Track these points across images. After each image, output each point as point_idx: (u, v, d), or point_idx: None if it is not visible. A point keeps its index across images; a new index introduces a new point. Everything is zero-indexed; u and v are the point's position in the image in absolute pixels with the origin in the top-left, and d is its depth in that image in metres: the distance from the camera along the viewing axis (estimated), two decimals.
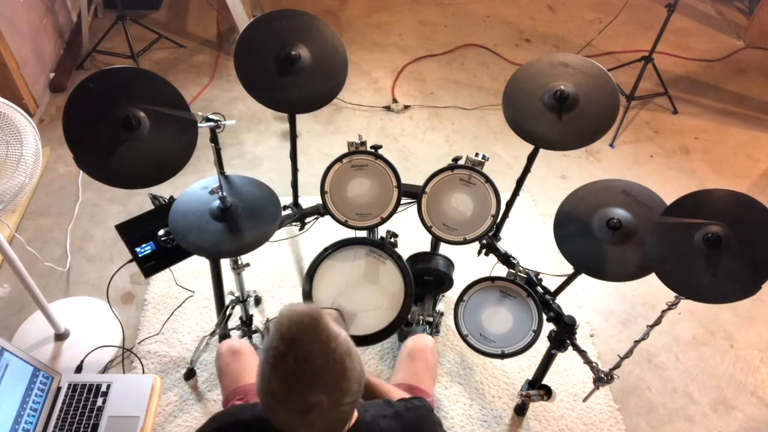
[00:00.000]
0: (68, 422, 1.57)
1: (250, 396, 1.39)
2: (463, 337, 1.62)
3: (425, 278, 1.87)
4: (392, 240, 1.69)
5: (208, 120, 1.52)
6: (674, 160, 3.00)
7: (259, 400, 0.92)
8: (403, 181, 1.68)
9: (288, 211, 1.89)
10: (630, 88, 3.06)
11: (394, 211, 1.70)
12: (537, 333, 1.57)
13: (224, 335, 2.02)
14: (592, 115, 1.54)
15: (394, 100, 3.21)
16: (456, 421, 1.93)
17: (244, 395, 1.40)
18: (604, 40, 3.68)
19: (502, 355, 1.59)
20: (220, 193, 1.47)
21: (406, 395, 1.30)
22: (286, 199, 1.81)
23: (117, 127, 1.39)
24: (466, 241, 1.66)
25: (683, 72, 3.58)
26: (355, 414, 1.02)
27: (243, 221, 1.51)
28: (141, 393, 1.65)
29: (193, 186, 1.58)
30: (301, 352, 0.87)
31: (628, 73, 3.13)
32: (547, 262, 2.43)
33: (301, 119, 2.95)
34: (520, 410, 1.96)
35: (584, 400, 1.90)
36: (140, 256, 1.66)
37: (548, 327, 1.63)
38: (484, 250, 1.88)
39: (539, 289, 1.68)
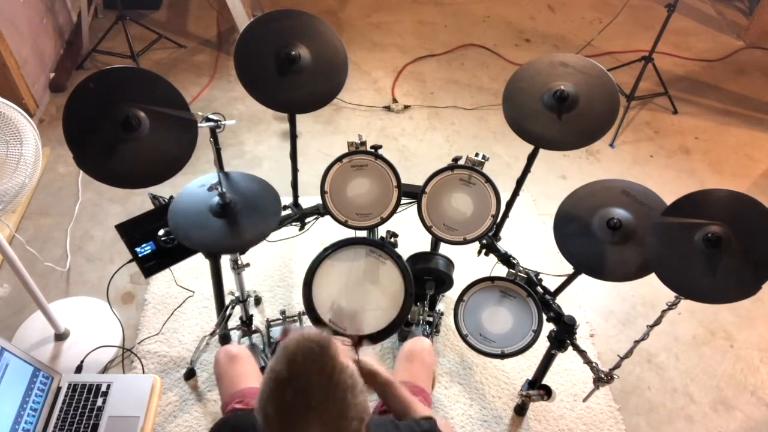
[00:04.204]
0: (68, 422, 1.57)
1: (249, 399, 1.39)
2: (463, 337, 1.62)
3: (425, 278, 1.87)
4: (392, 240, 1.69)
5: (208, 120, 1.52)
6: (674, 160, 3.00)
7: (257, 416, 0.90)
8: (403, 181, 1.68)
9: (288, 211, 1.89)
10: (630, 88, 3.06)
11: (394, 211, 1.70)
12: (537, 333, 1.57)
13: (224, 335, 2.02)
14: (592, 115, 1.54)
15: (394, 100, 3.21)
16: (456, 421, 1.93)
17: (242, 398, 1.40)
18: (604, 40, 3.67)
19: (502, 355, 1.59)
20: (219, 189, 1.47)
21: (427, 410, 1.28)
22: (286, 199, 1.81)
23: (117, 127, 1.39)
24: (466, 241, 1.66)
25: (683, 72, 3.58)
26: None
27: (243, 217, 1.51)
28: (141, 393, 1.65)
29: (191, 184, 1.58)
30: (301, 385, 0.85)
31: (628, 73, 3.13)
32: (547, 262, 2.43)
33: (301, 119, 2.95)
34: (520, 410, 1.96)
35: (584, 400, 1.90)
36: (140, 256, 1.66)
37: (548, 327, 1.64)
38: (484, 250, 1.88)
39: (539, 289, 1.68)
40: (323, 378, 0.86)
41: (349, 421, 0.86)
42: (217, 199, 1.50)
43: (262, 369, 1.80)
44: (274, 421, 0.86)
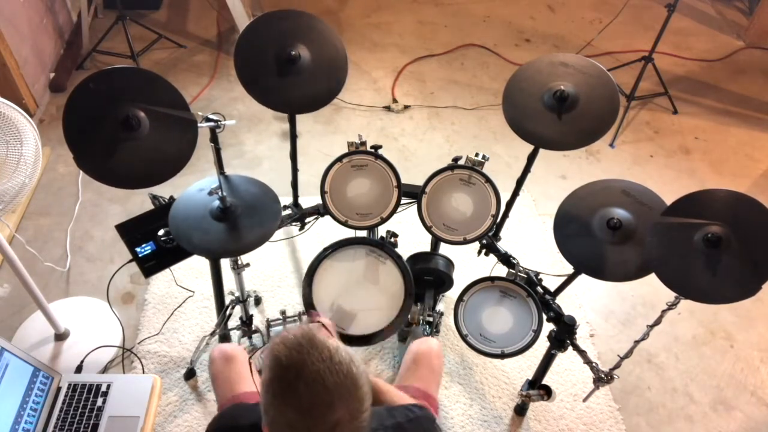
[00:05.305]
0: (68, 422, 1.57)
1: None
2: (463, 337, 1.62)
3: (425, 278, 1.87)
4: (392, 240, 1.69)
5: (208, 120, 1.52)
6: (674, 160, 3.00)
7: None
8: (403, 181, 1.68)
9: (288, 211, 1.89)
10: (630, 88, 3.06)
11: (394, 211, 1.70)
12: (537, 333, 1.57)
13: (224, 335, 2.02)
14: (592, 115, 1.54)
15: (394, 100, 3.21)
16: (456, 421, 1.93)
17: (240, 402, 1.39)
18: (604, 40, 3.67)
19: (502, 355, 1.59)
20: (219, 193, 1.47)
21: (410, 400, 1.29)
22: (286, 199, 1.81)
23: (117, 127, 1.39)
24: (466, 241, 1.66)
25: (683, 72, 3.58)
26: None
27: (243, 221, 1.51)
28: (141, 393, 1.65)
29: (191, 188, 1.58)
30: (310, 375, 0.86)
31: (628, 73, 3.13)
32: (547, 262, 2.43)
33: (301, 119, 2.95)
34: (520, 410, 1.96)
35: (584, 400, 1.90)
36: (140, 256, 1.66)
37: (548, 327, 1.63)
38: (484, 250, 1.88)
39: (539, 289, 1.68)
40: (325, 362, 0.87)
41: (362, 389, 0.88)
42: (217, 203, 1.50)
43: (260, 371, 1.80)
44: (299, 423, 0.86)
